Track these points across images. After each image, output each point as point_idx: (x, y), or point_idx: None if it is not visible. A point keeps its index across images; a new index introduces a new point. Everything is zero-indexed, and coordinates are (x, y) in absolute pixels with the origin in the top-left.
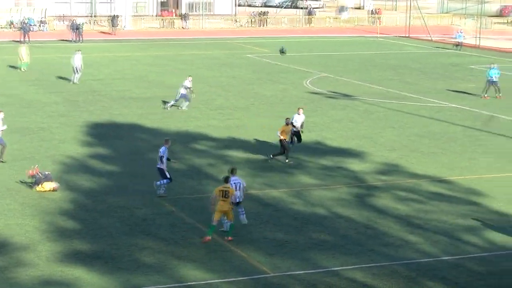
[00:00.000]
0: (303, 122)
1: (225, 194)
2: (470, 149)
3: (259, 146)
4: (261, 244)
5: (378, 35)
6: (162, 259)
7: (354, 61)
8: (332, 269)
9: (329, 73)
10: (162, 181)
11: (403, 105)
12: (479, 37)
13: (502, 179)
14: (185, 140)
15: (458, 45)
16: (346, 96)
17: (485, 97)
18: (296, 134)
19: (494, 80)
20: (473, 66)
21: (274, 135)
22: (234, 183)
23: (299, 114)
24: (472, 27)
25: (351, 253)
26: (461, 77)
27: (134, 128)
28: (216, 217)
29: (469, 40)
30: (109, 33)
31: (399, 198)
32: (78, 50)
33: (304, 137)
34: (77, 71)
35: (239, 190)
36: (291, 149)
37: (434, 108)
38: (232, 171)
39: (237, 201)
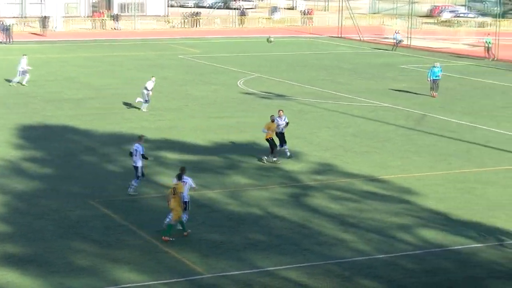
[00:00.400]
0: (287, 123)
1: (174, 191)
2: (402, 148)
3: (192, 147)
4: (196, 245)
5: (310, 36)
6: (96, 262)
7: (287, 62)
8: (267, 269)
9: (262, 73)
10: (135, 181)
11: (337, 105)
12: (410, 37)
13: (433, 177)
14: (117, 141)
15: (396, 45)
16: (280, 96)
17: (434, 95)
18: (280, 135)
19: (437, 78)
20: (404, 66)
21: (207, 135)
22: (183, 181)
23: (279, 116)
24: (402, 27)
25: (286, 253)
26: (392, 77)
27: (66, 130)
28: (174, 217)
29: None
30: (40, 34)
31: (334, 198)
32: (25, 54)
33: (238, 137)
34: (22, 73)
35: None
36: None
37: (368, 108)
38: (181, 171)
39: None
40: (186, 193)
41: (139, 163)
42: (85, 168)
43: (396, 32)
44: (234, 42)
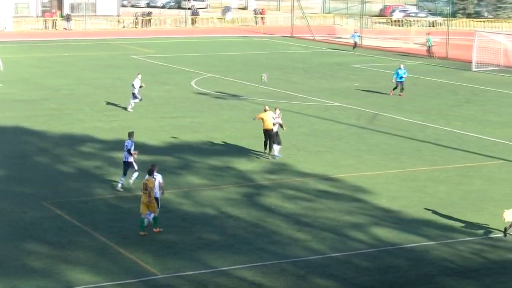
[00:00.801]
0: (280, 124)
1: (145, 187)
2: (355, 147)
3: (146, 148)
4: (150, 245)
5: (263, 35)
6: (50, 264)
7: (240, 62)
8: (222, 268)
9: (215, 73)
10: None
11: (290, 104)
12: (361, 37)
13: (385, 176)
14: (71, 142)
15: (355, 45)
16: (233, 96)
17: (400, 94)
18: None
19: (402, 80)
20: (356, 65)
21: (160, 135)
22: (154, 177)
23: (275, 113)
24: (354, 27)
25: (240, 252)
26: (344, 76)
27: (19, 131)
28: (141, 209)
29: (352, 40)
30: None
31: (287, 197)
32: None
33: (191, 137)
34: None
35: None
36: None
37: (320, 107)
38: (152, 166)
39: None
40: (157, 190)
41: (131, 158)
42: (38, 170)
43: (355, 31)
44: (187, 42)
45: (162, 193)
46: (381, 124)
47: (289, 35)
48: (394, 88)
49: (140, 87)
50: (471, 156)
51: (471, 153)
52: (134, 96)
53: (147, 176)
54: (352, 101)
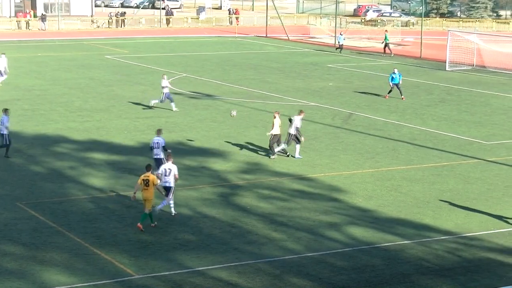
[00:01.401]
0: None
1: (146, 183)
2: (330, 147)
3: (120, 148)
4: (125, 246)
5: (237, 35)
6: (24, 265)
7: (214, 61)
8: (197, 269)
9: (190, 73)
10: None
11: (264, 104)
12: (334, 36)
13: (361, 175)
14: (44, 143)
15: (339, 48)
16: (207, 96)
17: (402, 98)
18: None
19: (397, 83)
20: (330, 65)
21: (135, 135)
22: (165, 168)
23: (299, 115)
24: (327, 27)
25: (216, 252)
26: (319, 76)
27: None
28: (146, 205)
29: (326, 40)
30: None
31: (263, 197)
32: (3, 53)
33: (166, 137)
34: (1, 74)
35: (168, 175)
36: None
37: (295, 107)
38: (168, 157)
39: (164, 185)
40: (171, 179)
41: (162, 155)
42: (12, 170)
43: (340, 33)
44: (161, 42)
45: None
46: (356, 124)
47: (264, 35)
48: (390, 91)
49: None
50: (446, 155)
51: (446, 152)
52: (166, 97)
53: (148, 173)
54: (327, 100)
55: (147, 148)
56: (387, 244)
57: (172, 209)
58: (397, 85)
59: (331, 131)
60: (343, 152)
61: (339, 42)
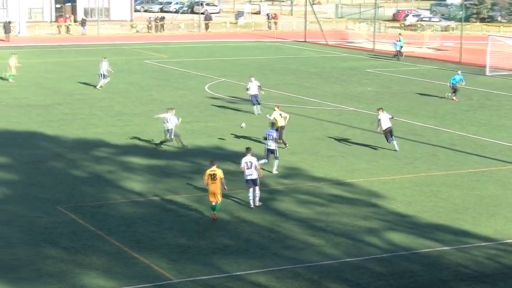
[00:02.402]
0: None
1: (213, 177)
2: (369, 152)
3: (159, 152)
4: (164, 250)
5: (276, 40)
6: (64, 268)
7: (252, 66)
8: (236, 273)
9: (228, 78)
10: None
11: (303, 109)
12: (374, 41)
13: (399, 180)
14: (84, 147)
15: (396, 55)
16: (246, 101)
17: (454, 99)
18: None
19: (455, 83)
20: (369, 70)
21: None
22: (246, 162)
23: (382, 112)
24: (366, 31)
25: (254, 257)
26: (357, 81)
27: (33, 136)
28: (210, 198)
29: (365, 44)
30: (3, 40)
31: (301, 202)
32: (104, 58)
33: (205, 142)
34: (103, 76)
35: (251, 168)
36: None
37: (333, 112)
38: (247, 150)
39: (250, 178)
40: (254, 171)
41: (274, 146)
42: (52, 174)
43: (397, 39)
44: (200, 46)
45: (259, 175)
46: (395, 129)
47: (302, 40)
48: (454, 92)
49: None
50: (485, 161)
51: (485, 158)
52: (254, 99)
53: (213, 167)
54: (365, 105)
55: (186, 153)
56: (426, 250)
57: (257, 200)
58: (454, 85)
59: (369, 136)
60: (382, 157)
61: (396, 48)
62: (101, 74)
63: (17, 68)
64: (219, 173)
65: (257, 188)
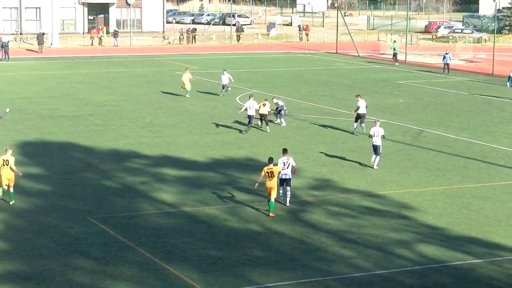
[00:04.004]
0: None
1: (270, 174)
2: (400, 164)
3: (190, 163)
4: (195, 261)
5: (307, 51)
6: (95, 279)
7: (284, 78)
8: (266, 285)
9: (260, 89)
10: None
11: (334, 120)
12: (406, 53)
13: (431, 193)
14: (116, 158)
15: (446, 69)
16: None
17: None
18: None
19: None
20: (401, 82)
21: (205, 151)
22: (283, 162)
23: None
24: (400, 44)
25: (285, 269)
26: (389, 92)
27: (65, 147)
28: (269, 194)
29: (397, 56)
30: (36, 51)
31: (332, 213)
32: (224, 70)
33: (236, 153)
34: (226, 87)
35: (286, 167)
36: None
37: (365, 124)
38: (283, 151)
39: (284, 177)
40: (289, 171)
41: (379, 142)
42: (83, 185)
43: (446, 52)
44: (232, 58)
45: (295, 173)
46: (426, 141)
47: (334, 52)
48: None
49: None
50: None
51: None
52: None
53: (270, 165)
54: (397, 117)
55: (218, 164)
56: (458, 262)
57: (288, 200)
58: None
59: (401, 148)
60: (413, 169)
61: (445, 62)
62: (224, 85)
63: (48, 79)
64: (276, 170)
65: (288, 188)
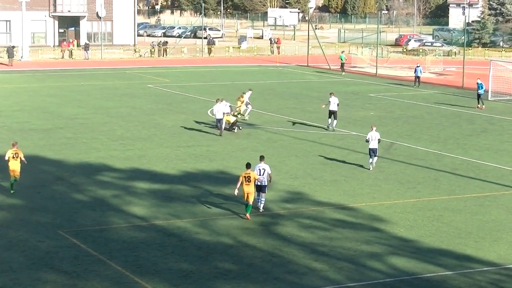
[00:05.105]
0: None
1: (247, 179)
2: (371, 176)
3: (162, 176)
4: (166, 274)
5: (278, 64)
6: None
7: (255, 91)
8: None
9: (231, 102)
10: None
11: (306, 133)
12: (376, 66)
13: (402, 205)
14: (87, 171)
15: (416, 81)
16: (248, 125)
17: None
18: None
19: (481, 93)
20: (372, 94)
21: (176, 164)
22: (259, 168)
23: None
24: (369, 56)
25: (257, 282)
26: (360, 105)
27: (35, 160)
28: (245, 197)
29: (368, 69)
30: (6, 64)
31: (304, 226)
32: (250, 89)
33: (207, 166)
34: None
35: (262, 174)
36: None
37: (336, 136)
38: (260, 158)
39: (259, 184)
40: (265, 178)
41: (376, 145)
42: (54, 198)
43: (418, 65)
44: (203, 71)
45: (270, 181)
46: (397, 153)
47: (305, 64)
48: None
49: None
50: (488, 186)
51: (488, 183)
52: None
53: (248, 170)
54: (368, 130)
55: (189, 177)
56: (429, 275)
57: (261, 206)
58: (480, 94)
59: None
60: (384, 182)
61: (416, 75)
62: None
63: (19, 93)
64: (253, 175)
65: (263, 194)
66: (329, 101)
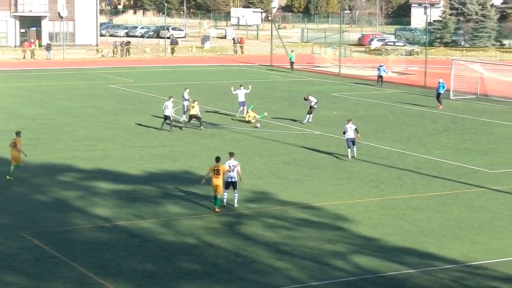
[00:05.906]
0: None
1: (216, 172)
2: (334, 176)
3: (125, 177)
4: (130, 275)
5: (241, 64)
6: None
7: (218, 90)
8: None
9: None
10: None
11: (270, 133)
12: (339, 65)
13: (365, 204)
14: (49, 172)
15: (379, 81)
16: (212, 125)
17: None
18: None
19: (441, 92)
20: (335, 94)
21: (140, 164)
22: (229, 165)
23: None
24: (332, 56)
25: (221, 282)
26: (323, 105)
27: None
28: (215, 191)
29: (331, 69)
30: None
31: (268, 226)
32: (241, 85)
33: (171, 166)
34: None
35: (232, 170)
36: None
37: (300, 136)
38: (230, 155)
39: (230, 181)
40: (235, 175)
41: (353, 135)
42: (15, 199)
43: (380, 64)
44: (166, 71)
45: (240, 179)
46: (361, 153)
47: (268, 64)
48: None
49: None
50: (450, 184)
51: (450, 181)
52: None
53: (217, 163)
54: (331, 129)
55: (153, 177)
56: (392, 273)
57: (235, 202)
58: (440, 94)
59: (335, 160)
60: (347, 181)
61: (379, 74)
62: (240, 103)
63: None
64: (222, 168)
65: (235, 190)
66: (310, 100)
